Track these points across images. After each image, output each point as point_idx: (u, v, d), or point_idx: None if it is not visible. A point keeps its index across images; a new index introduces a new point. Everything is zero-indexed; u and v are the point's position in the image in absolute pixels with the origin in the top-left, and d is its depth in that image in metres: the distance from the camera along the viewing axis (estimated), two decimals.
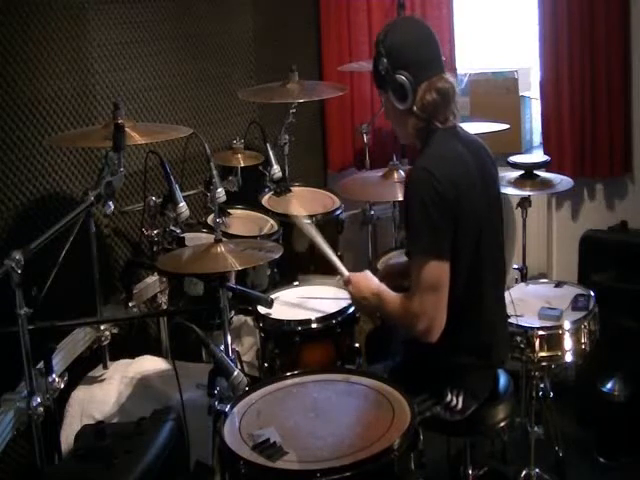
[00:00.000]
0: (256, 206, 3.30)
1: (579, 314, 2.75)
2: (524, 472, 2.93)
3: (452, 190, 2.11)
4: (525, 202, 3.37)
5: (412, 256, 2.17)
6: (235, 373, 2.02)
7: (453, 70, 3.90)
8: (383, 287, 2.32)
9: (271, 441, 1.87)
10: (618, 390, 3.18)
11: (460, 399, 2.26)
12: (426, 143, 2.24)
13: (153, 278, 3.01)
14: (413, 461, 1.91)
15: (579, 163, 3.81)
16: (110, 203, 2.18)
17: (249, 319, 3.18)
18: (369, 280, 2.35)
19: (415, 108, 2.20)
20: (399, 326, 2.32)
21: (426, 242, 2.12)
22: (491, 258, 2.27)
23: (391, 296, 2.27)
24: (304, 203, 3.33)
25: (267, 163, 3.28)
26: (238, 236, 2.93)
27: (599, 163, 3.78)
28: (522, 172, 3.36)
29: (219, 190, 2.50)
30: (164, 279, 2.89)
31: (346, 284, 2.40)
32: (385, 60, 2.21)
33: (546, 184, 3.35)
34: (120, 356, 2.80)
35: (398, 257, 2.64)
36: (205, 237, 2.92)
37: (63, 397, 2.49)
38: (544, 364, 2.74)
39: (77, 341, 2.62)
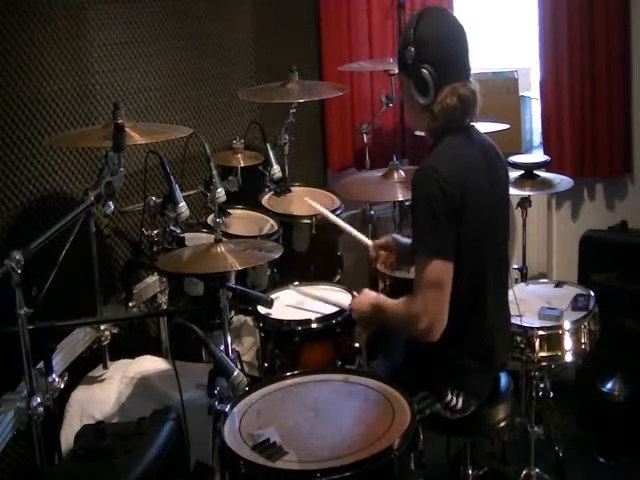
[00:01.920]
0: (256, 206, 3.30)
1: (579, 314, 2.75)
2: (524, 472, 2.93)
3: (458, 190, 2.10)
4: (525, 202, 3.36)
5: (416, 255, 2.17)
6: (235, 373, 2.02)
7: None
8: (381, 297, 2.37)
9: (271, 441, 1.87)
10: (618, 390, 3.17)
11: (460, 399, 2.26)
12: (438, 141, 2.23)
13: (153, 278, 3.02)
14: (413, 461, 1.91)
15: (579, 163, 3.81)
16: (110, 203, 2.18)
17: (249, 319, 3.18)
18: (366, 295, 2.42)
19: (434, 108, 2.18)
20: (401, 330, 2.31)
21: (430, 241, 2.12)
22: (494, 260, 2.27)
23: (390, 302, 2.29)
24: (304, 203, 3.32)
25: (267, 163, 3.28)
26: (238, 236, 2.92)
27: (599, 163, 3.78)
28: (522, 172, 3.36)
29: (219, 190, 2.50)
30: (164, 279, 2.89)
31: (351, 312, 2.48)
32: (412, 49, 2.17)
33: (546, 184, 3.35)
34: (120, 356, 2.79)
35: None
36: (205, 237, 2.92)
37: (63, 397, 2.49)
38: (544, 364, 2.74)
39: (77, 341, 2.63)
